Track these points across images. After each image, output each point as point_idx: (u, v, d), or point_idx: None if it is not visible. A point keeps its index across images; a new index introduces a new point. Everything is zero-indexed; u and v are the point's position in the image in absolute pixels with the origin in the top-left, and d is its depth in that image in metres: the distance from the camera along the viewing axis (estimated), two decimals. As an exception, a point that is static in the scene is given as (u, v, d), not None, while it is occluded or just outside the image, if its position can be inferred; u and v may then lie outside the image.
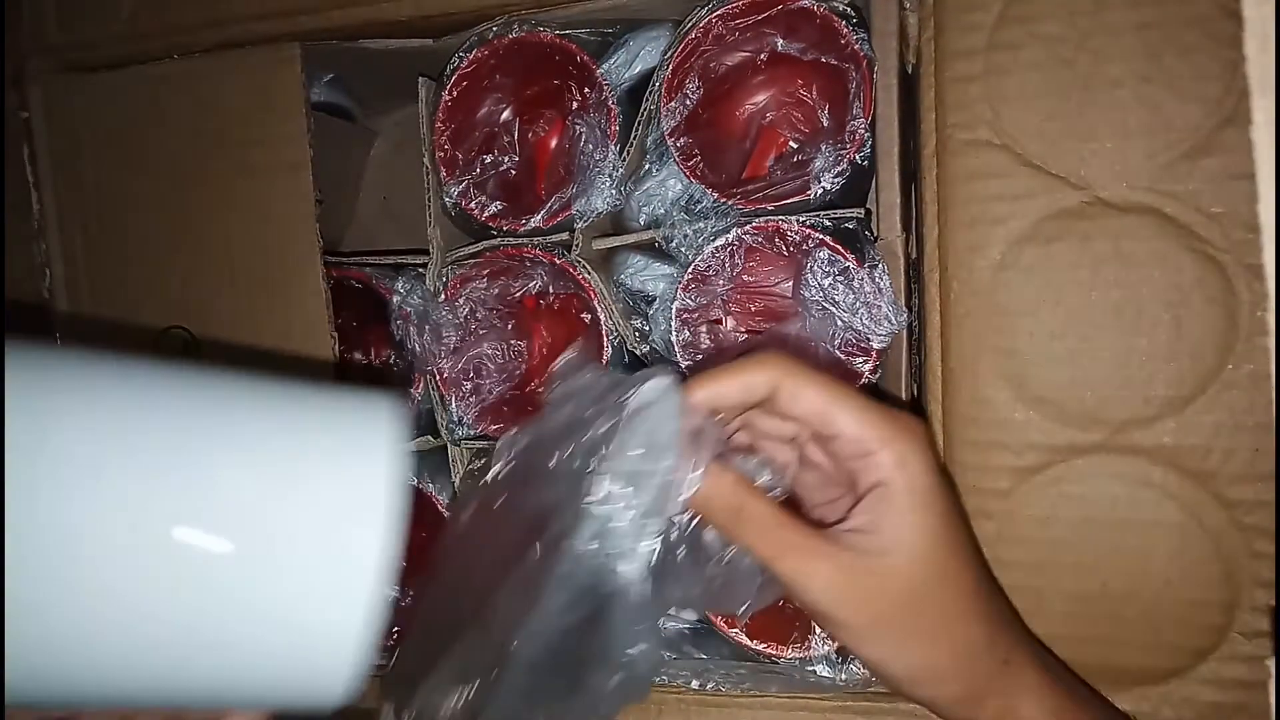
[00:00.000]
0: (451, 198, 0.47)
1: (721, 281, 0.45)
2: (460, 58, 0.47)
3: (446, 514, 0.49)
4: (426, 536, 0.55)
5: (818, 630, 0.44)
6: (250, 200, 0.47)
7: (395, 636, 0.32)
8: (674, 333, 0.45)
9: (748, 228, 0.43)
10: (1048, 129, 0.37)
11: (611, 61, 0.47)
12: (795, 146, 0.50)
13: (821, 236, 0.42)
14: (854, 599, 0.30)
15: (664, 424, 0.29)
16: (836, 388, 0.31)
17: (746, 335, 0.50)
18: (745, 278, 0.48)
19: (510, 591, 0.29)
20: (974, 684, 0.31)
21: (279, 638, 0.22)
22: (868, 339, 0.41)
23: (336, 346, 0.46)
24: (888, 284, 0.41)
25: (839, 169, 0.42)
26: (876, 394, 0.44)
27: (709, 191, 0.44)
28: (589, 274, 0.46)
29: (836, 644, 0.43)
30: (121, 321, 0.50)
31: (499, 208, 0.47)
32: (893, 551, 0.30)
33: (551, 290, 0.50)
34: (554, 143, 0.54)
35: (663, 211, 0.46)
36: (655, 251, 0.48)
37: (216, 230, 0.48)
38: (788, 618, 0.46)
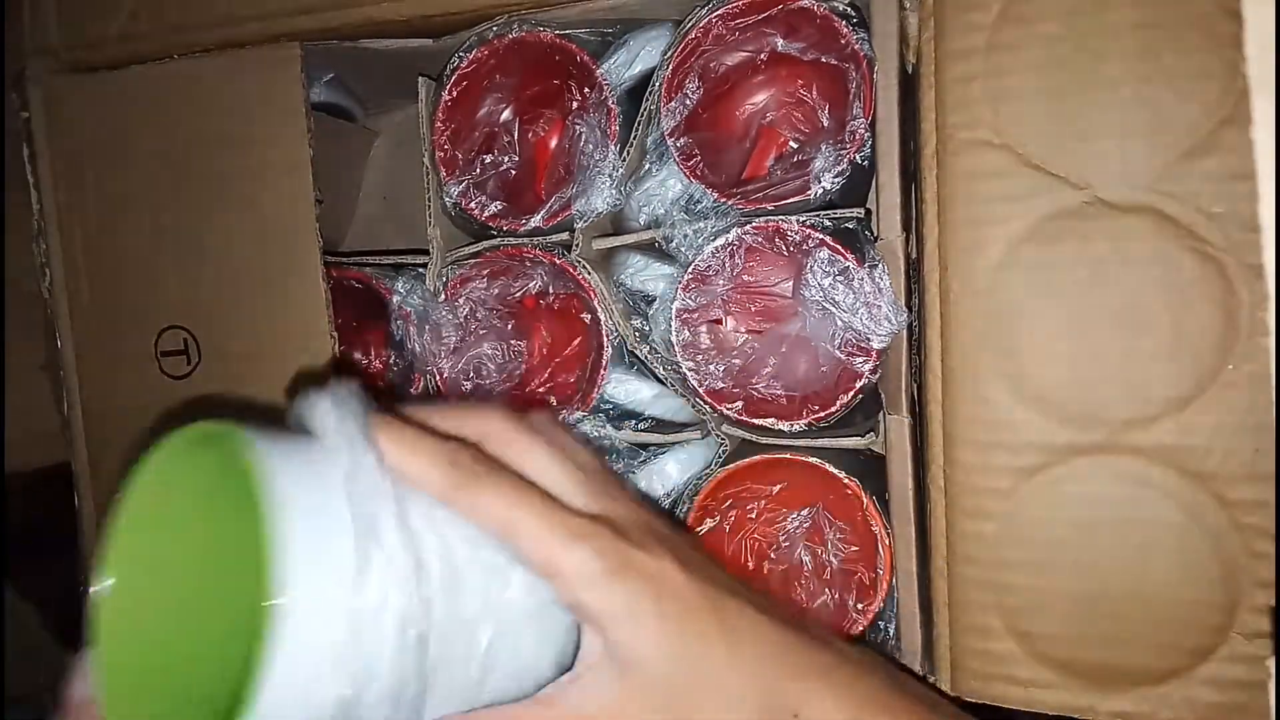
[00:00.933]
0: (451, 197, 0.47)
1: (721, 281, 0.45)
2: (460, 57, 0.47)
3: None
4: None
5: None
6: (250, 200, 0.47)
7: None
8: (674, 333, 0.45)
9: (748, 228, 0.43)
10: (1048, 129, 0.37)
11: (611, 61, 0.47)
12: (795, 146, 0.50)
13: (821, 236, 0.42)
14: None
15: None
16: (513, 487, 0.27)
17: (746, 335, 0.50)
18: (745, 278, 0.48)
19: None
20: None
21: None
22: (868, 339, 0.41)
23: (336, 346, 0.46)
24: (888, 284, 0.41)
25: (839, 169, 0.42)
26: (875, 395, 0.44)
27: (709, 191, 0.44)
28: (589, 274, 0.46)
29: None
30: (120, 321, 0.50)
31: (499, 208, 0.47)
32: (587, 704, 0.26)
33: (551, 290, 0.50)
34: (554, 143, 0.54)
35: (663, 211, 0.46)
36: (655, 251, 0.48)
37: (216, 230, 0.48)
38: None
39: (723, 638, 0.28)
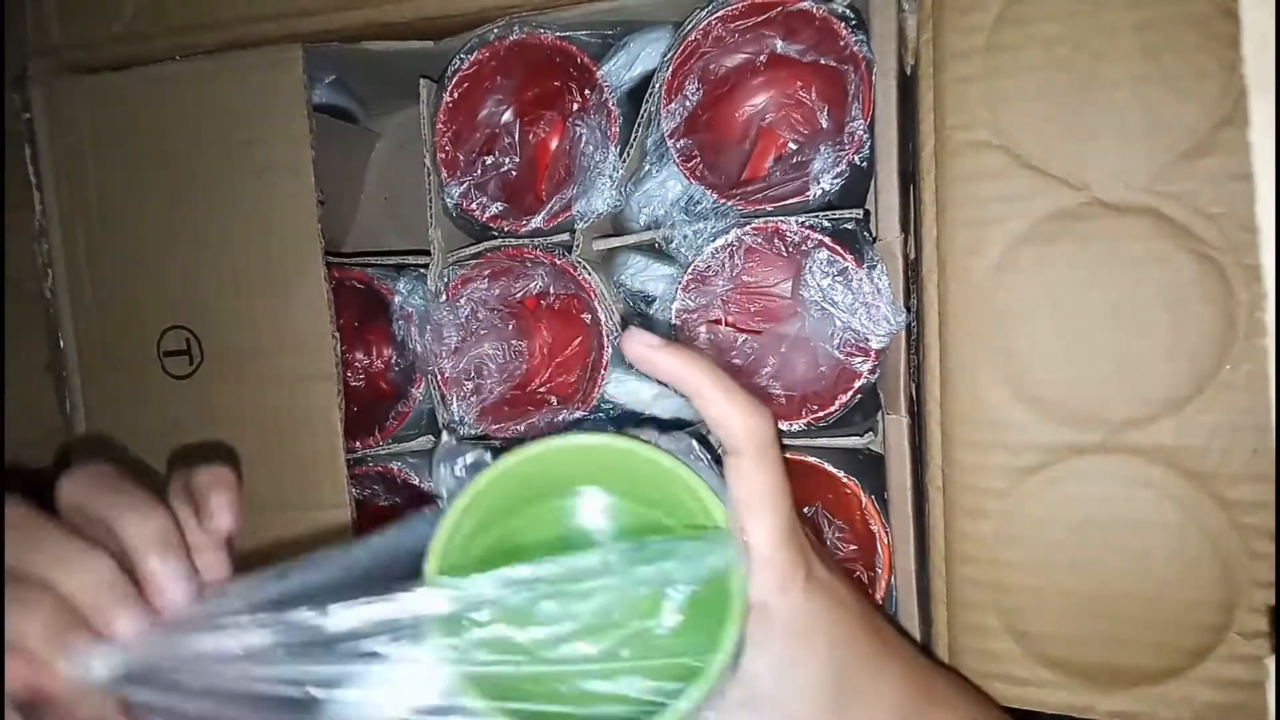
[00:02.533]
0: (453, 199, 0.47)
1: (721, 282, 0.45)
2: (461, 59, 0.47)
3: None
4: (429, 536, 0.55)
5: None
6: (252, 201, 0.47)
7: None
8: (674, 333, 0.45)
9: (747, 228, 0.43)
10: (1046, 130, 0.37)
11: (612, 63, 0.47)
12: (794, 148, 0.50)
13: (821, 237, 0.42)
14: None
15: None
16: (779, 482, 0.29)
17: (746, 335, 0.50)
18: (745, 278, 0.48)
19: None
20: None
21: None
22: (866, 339, 0.41)
23: (338, 347, 0.47)
24: (886, 284, 0.41)
25: (838, 170, 0.42)
26: (874, 395, 0.44)
27: (709, 192, 0.44)
28: (589, 274, 0.46)
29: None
30: (123, 321, 0.50)
31: (500, 209, 0.47)
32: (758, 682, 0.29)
33: (552, 291, 0.50)
34: (555, 144, 0.54)
35: (663, 212, 0.46)
36: (655, 252, 0.48)
37: (218, 231, 0.48)
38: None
39: (875, 650, 0.31)
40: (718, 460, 0.30)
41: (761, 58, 0.46)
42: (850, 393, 0.43)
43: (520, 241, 0.47)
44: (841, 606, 0.30)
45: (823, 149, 0.42)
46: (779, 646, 0.29)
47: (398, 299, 0.50)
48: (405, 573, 0.28)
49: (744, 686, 0.29)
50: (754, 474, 0.28)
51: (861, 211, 0.43)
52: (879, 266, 0.41)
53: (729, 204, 0.44)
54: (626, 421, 0.49)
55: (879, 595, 0.43)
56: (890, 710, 0.31)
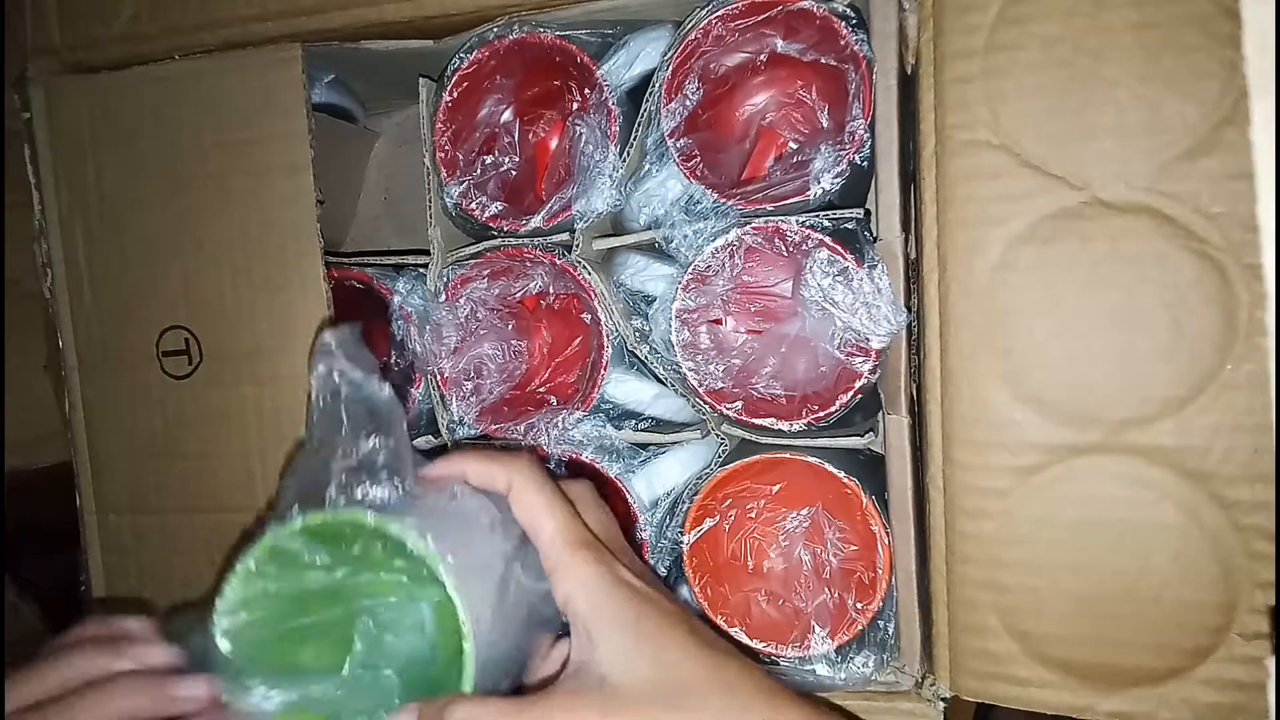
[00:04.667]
0: (452, 198, 0.47)
1: (721, 282, 0.45)
2: (461, 58, 0.47)
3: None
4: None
5: (818, 630, 0.44)
6: (251, 201, 0.47)
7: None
8: (674, 333, 0.45)
9: (747, 228, 0.43)
10: (1046, 129, 0.37)
11: (612, 62, 0.47)
12: (795, 147, 0.50)
13: (821, 237, 0.42)
14: None
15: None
16: (550, 498, 0.32)
17: (746, 335, 0.50)
18: (745, 278, 0.48)
19: None
20: None
21: None
22: (867, 339, 0.41)
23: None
24: (887, 284, 0.41)
25: (838, 170, 0.42)
26: (875, 395, 0.44)
27: (709, 192, 0.44)
28: (589, 274, 0.46)
29: (836, 643, 0.43)
30: (122, 321, 0.50)
31: (499, 208, 0.47)
32: (613, 672, 0.30)
33: (552, 290, 0.50)
34: (554, 143, 0.54)
35: (663, 212, 0.46)
36: (655, 252, 0.48)
37: (217, 230, 0.48)
38: (787, 618, 0.46)
39: (703, 653, 0.30)
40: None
41: (762, 57, 0.46)
42: (851, 393, 0.43)
43: (520, 241, 0.47)
44: (662, 610, 0.31)
45: (823, 148, 0.42)
46: (606, 639, 0.30)
47: (397, 299, 0.50)
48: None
49: (595, 689, 0.29)
50: (523, 496, 0.32)
51: (862, 211, 0.43)
52: (879, 266, 0.41)
53: (729, 204, 0.44)
54: (626, 421, 0.49)
55: (879, 596, 0.43)
56: (727, 710, 0.30)
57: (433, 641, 0.33)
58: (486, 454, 0.34)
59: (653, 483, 0.48)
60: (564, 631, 0.33)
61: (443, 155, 0.48)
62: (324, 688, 0.30)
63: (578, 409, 0.47)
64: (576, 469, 0.47)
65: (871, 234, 0.43)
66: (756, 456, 0.45)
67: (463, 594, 0.29)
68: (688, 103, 0.45)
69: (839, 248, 0.42)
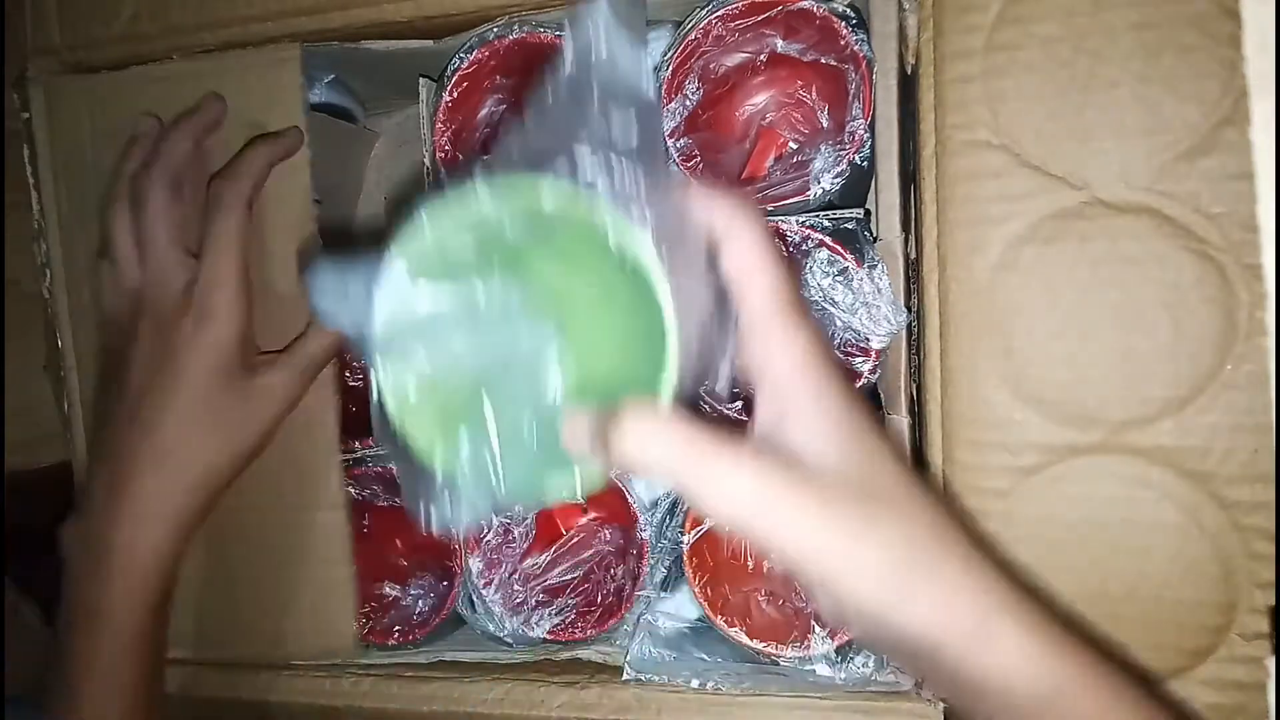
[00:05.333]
0: (452, 198, 0.47)
1: (721, 282, 0.45)
2: (461, 58, 0.47)
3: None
4: (428, 536, 0.55)
5: (818, 630, 0.44)
6: (251, 200, 0.47)
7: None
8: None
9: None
10: (1046, 129, 0.37)
11: (611, 62, 0.47)
12: (795, 147, 0.50)
13: (821, 237, 0.42)
14: (781, 508, 0.26)
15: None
16: (771, 252, 0.28)
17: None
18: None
19: None
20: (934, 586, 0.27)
21: None
22: (867, 339, 0.41)
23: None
24: (887, 284, 0.41)
25: (838, 170, 0.42)
26: (875, 395, 0.44)
27: (709, 192, 0.44)
28: (589, 274, 0.46)
29: (836, 643, 0.43)
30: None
31: (499, 208, 0.47)
32: (805, 451, 0.27)
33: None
34: (554, 143, 0.54)
35: (662, 212, 0.46)
36: (655, 252, 0.48)
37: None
38: (787, 617, 0.46)
39: (898, 465, 0.28)
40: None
41: (762, 57, 0.46)
42: (850, 393, 0.43)
43: (520, 241, 0.47)
44: (861, 402, 0.28)
45: (823, 148, 0.42)
46: (804, 414, 0.27)
47: (397, 299, 0.50)
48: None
49: (781, 461, 0.27)
50: (739, 243, 0.28)
51: (862, 211, 0.43)
52: (880, 266, 0.41)
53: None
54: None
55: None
56: (914, 531, 0.27)
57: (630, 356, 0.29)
58: (710, 191, 0.29)
59: (653, 482, 0.48)
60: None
61: (443, 155, 0.48)
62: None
63: (577, 409, 0.47)
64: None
65: (871, 234, 0.43)
66: (756, 456, 0.45)
67: (677, 326, 0.26)
68: (688, 103, 0.45)
69: (839, 248, 0.42)
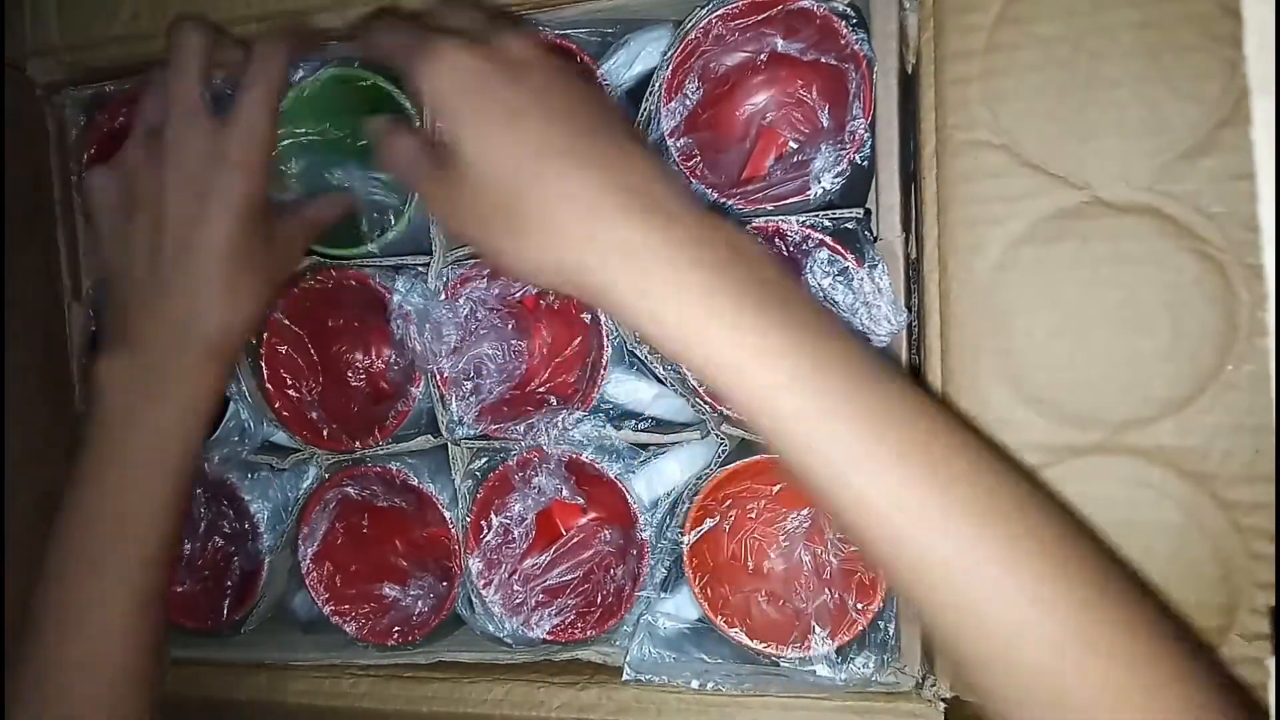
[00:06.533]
0: (452, 198, 0.47)
1: (721, 282, 0.44)
2: (460, 58, 0.47)
3: (446, 514, 0.49)
4: (428, 536, 0.55)
5: (818, 630, 0.44)
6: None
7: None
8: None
9: (747, 228, 0.43)
10: (1046, 129, 0.37)
11: (611, 62, 0.47)
12: (795, 147, 0.50)
13: (821, 236, 0.42)
14: (458, 212, 0.34)
15: None
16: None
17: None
18: (745, 278, 0.48)
19: None
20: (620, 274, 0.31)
21: None
22: (867, 339, 0.41)
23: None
24: (887, 284, 0.41)
25: (839, 169, 0.42)
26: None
27: (709, 191, 0.44)
28: (589, 274, 0.46)
29: (836, 644, 0.43)
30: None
31: (499, 208, 0.47)
32: (463, 163, 0.33)
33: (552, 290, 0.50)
34: (554, 143, 0.54)
35: (663, 212, 0.46)
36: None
37: (217, 230, 0.48)
38: (788, 618, 0.46)
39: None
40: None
41: (762, 56, 0.46)
42: (850, 393, 0.43)
43: (520, 241, 0.47)
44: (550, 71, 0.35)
45: (823, 148, 0.42)
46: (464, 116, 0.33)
47: (397, 298, 0.49)
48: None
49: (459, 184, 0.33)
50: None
51: (862, 211, 0.43)
52: (880, 266, 0.41)
53: (729, 203, 0.44)
54: (626, 421, 0.49)
55: (879, 597, 0.43)
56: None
57: None
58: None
59: (653, 483, 0.47)
60: None
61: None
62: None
63: (578, 409, 0.47)
64: (576, 468, 0.47)
65: (872, 234, 0.43)
66: (757, 456, 0.45)
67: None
68: (688, 102, 0.45)
69: (839, 247, 0.42)
